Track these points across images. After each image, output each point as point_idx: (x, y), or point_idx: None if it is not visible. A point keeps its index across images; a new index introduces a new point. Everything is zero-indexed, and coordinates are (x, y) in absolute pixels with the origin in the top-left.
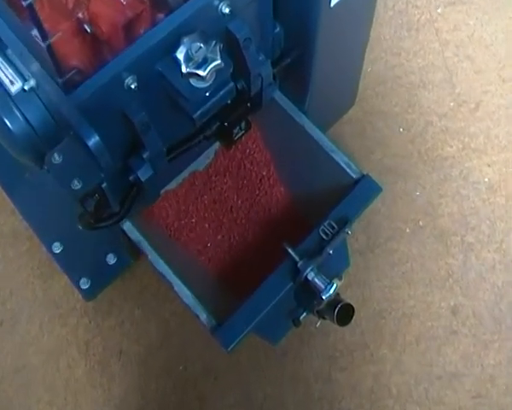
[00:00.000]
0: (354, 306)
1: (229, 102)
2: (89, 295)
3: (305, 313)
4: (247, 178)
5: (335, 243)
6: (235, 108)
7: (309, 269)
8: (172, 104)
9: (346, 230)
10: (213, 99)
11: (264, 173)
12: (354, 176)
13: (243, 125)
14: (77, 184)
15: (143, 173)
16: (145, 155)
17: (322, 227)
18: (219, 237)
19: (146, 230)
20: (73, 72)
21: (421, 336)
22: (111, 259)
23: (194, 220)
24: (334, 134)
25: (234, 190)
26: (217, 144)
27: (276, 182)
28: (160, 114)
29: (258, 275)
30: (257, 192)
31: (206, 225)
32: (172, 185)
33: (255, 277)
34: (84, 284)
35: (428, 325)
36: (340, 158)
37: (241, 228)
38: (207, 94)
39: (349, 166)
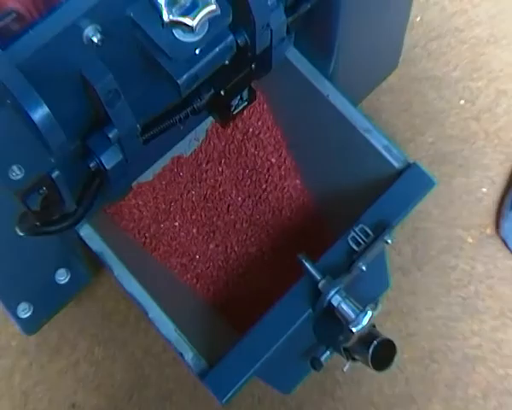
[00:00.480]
0: (396, 343)
1: (226, 62)
2: (30, 326)
3: (328, 353)
4: (251, 167)
5: (370, 255)
6: (235, 72)
7: (334, 291)
8: (149, 65)
9: (385, 238)
10: (205, 58)
11: (274, 160)
12: (396, 165)
13: (245, 94)
14: (17, 174)
15: (109, 159)
16: (111, 134)
17: (351, 234)
18: (212, 246)
19: (111, 236)
20: (10, 16)
21: (489, 388)
22: (62, 276)
23: (177, 224)
24: (370, 108)
25: (232, 184)
26: (209, 121)
27: (289, 172)
28: (133, 77)
29: (263, 299)
30: (263, 186)
31: (194, 231)
32: (148, 176)
33: (260, 302)
34: (24, 311)
35: (500, 373)
36: (377, 140)
37: (242, 235)
38: (197, 51)
39: (389, 152)
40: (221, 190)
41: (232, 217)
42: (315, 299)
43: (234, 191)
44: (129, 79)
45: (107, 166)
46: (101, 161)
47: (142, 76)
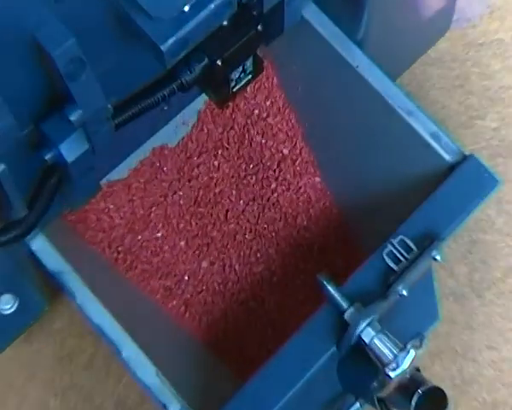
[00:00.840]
0: (447, 393)
1: (225, 23)
2: None
3: (357, 405)
4: (256, 161)
5: (413, 277)
6: (236, 36)
7: (365, 323)
8: (124, 26)
9: (433, 254)
10: (197, 18)
11: (286, 152)
12: (448, 158)
13: (249, 65)
14: None
15: (70, 149)
16: (74, 117)
17: (388, 248)
18: (205, 264)
19: (73, 251)
20: None
21: None
22: (7, 304)
23: (159, 235)
24: (413, 83)
25: (231, 182)
26: (202, 100)
27: (305, 168)
28: (102, 43)
29: (272, 335)
30: (273, 186)
31: (182, 244)
32: (123, 172)
33: (268, 338)
34: None
35: None
36: (422, 125)
37: (244, 249)
38: (186, 8)
39: (439, 141)
40: (217, 190)
41: (232, 226)
42: (340, 333)
43: (234, 192)
44: (97, 45)
45: (69, 159)
46: (60, 152)
47: (114, 41)
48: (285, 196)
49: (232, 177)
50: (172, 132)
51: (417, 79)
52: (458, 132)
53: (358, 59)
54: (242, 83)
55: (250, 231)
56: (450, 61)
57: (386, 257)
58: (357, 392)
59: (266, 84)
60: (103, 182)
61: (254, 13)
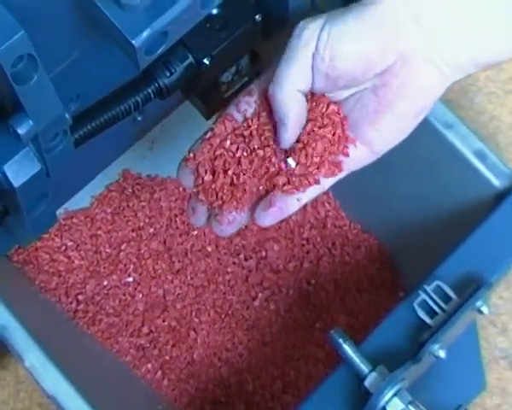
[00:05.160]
0: None
1: (214, 11)
2: None
3: None
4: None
5: (452, 334)
6: (228, 28)
7: (391, 392)
8: (88, 17)
9: (478, 304)
10: (178, 5)
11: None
12: (496, 182)
13: (244, 64)
14: None
15: (18, 170)
16: (22, 130)
17: (420, 297)
18: (194, 321)
19: (21, 301)
20: None
21: None
22: None
23: (130, 280)
24: (453, 88)
25: None
26: (184, 109)
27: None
28: (60, 37)
29: (273, 406)
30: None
31: (160, 292)
32: (85, 200)
33: (269, 407)
34: None
35: None
36: (464, 141)
37: (243, 296)
38: None
39: (484, 160)
40: None
41: (226, 269)
42: (359, 404)
43: None
44: (52, 40)
45: (15, 183)
46: (4, 174)
47: (74, 34)
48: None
49: None
50: (148, 150)
51: (459, 83)
52: (511, 150)
53: None
54: (236, 87)
55: (250, 272)
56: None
57: (417, 308)
58: None
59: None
60: (60, 212)
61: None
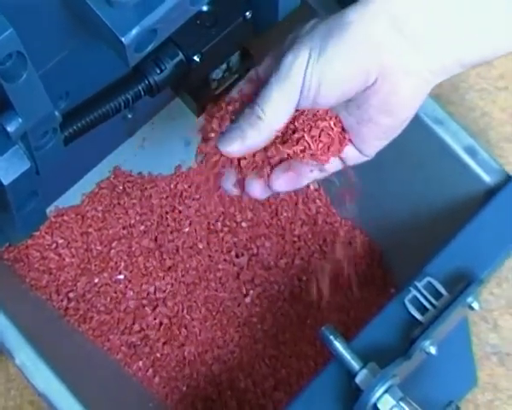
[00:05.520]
0: None
1: (204, 8)
2: None
3: None
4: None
5: (443, 330)
6: (218, 24)
7: (382, 389)
8: (76, 14)
9: (469, 300)
10: (168, 2)
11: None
12: (487, 178)
13: (235, 61)
14: None
15: (7, 168)
16: (11, 127)
17: (411, 293)
18: (185, 318)
19: (12, 298)
20: None
21: None
22: None
23: (121, 277)
24: (444, 84)
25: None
26: (174, 106)
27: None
28: (49, 35)
29: (266, 404)
30: (271, 208)
31: (151, 290)
32: (75, 198)
33: (260, 407)
34: None
35: None
36: (454, 137)
37: (234, 293)
38: None
39: (475, 156)
40: (198, 219)
41: (217, 265)
42: (350, 402)
43: (220, 221)
44: (42, 38)
45: (5, 181)
46: None
47: (64, 32)
48: (284, 226)
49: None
50: (138, 147)
51: (449, 80)
52: (501, 147)
53: None
54: (227, 84)
55: (241, 269)
56: None
57: (408, 304)
58: None
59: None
60: (50, 210)
61: None
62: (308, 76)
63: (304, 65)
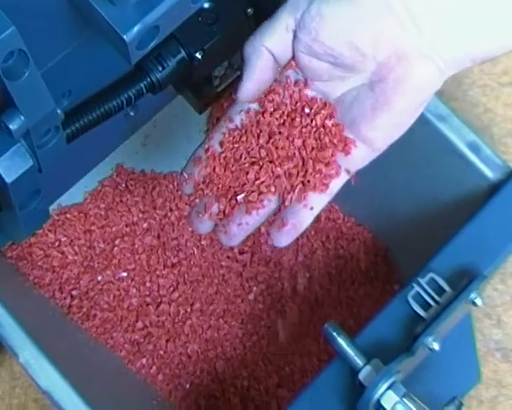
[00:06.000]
0: None
1: (206, 5)
2: None
3: None
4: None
5: (446, 326)
6: (220, 21)
7: (385, 386)
8: (78, 11)
9: (472, 296)
10: None
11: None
12: (490, 174)
13: (237, 59)
14: None
15: (10, 166)
16: (14, 125)
17: (414, 289)
18: (183, 311)
19: (14, 296)
20: None
21: None
22: None
23: (124, 275)
24: (446, 80)
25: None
26: (176, 104)
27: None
28: (51, 32)
29: (270, 401)
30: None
31: (154, 288)
32: (78, 195)
33: (265, 405)
34: None
35: None
36: (457, 133)
37: (238, 290)
38: None
39: (478, 153)
40: None
41: (221, 263)
42: (354, 398)
43: None
44: (44, 36)
45: (8, 179)
46: None
47: (65, 30)
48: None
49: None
50: (141, 145)
51: (452, 75)
52: (504, 142)
53: None
54: (229, 81)
55: (244, 266)
56: None
57: (411, 301)
58: None
59: None
60: (53, 208)
61: None
62: (311, 13)
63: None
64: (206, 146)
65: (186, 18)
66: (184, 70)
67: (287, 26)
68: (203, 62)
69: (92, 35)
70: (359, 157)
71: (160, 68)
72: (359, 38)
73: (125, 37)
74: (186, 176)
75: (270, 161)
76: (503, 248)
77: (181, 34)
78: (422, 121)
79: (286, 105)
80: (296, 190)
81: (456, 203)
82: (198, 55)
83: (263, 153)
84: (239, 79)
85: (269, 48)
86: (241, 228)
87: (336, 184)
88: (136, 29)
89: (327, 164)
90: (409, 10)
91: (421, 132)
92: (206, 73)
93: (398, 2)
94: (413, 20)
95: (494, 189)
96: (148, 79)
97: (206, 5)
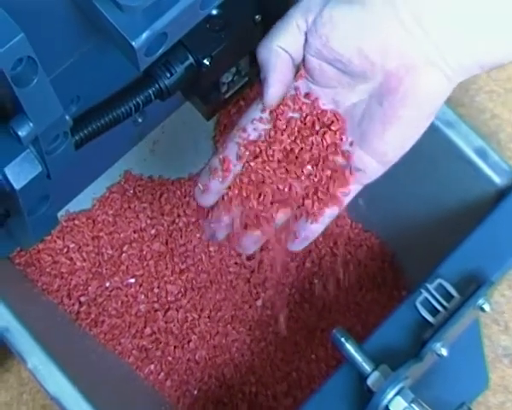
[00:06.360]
0: None
1: (214, 12)
2: None
3: None
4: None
5: (454, 332)
6: (228, 28)
7: (394, 391)
8: (87, 18)
9: (480, 302)
10: (177, 6)
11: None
12: (498, 180)
13: (244, 65)
14: None
15: (19, 173)
16: (23, 132)
17: (422, 295)
18: (191, 318)
19: (23, 302)
20: None
21: None
22: None
23: (132, 281)
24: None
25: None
26: (184, 110)
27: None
28: (59, 39)
29: (279, 402)
30: None
31: (162, 294)
32: (86, 202)
33: (271, 407)
34: None
35: None
36: (465, 139)
37: (246, 296)
38: None
39: (485, 158)
40: None
41: (229, 269)
42: (362, 403)
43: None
44: (53, 42)
45: (17, 185)
46: (5, 176)
47: (74, 36)
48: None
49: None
50: (149, 151)
51: (460, 82)
52: (511, 148)
53: None
54: (236, 87)
55: (252, 272)
56: None
57: (420, 306)
58: None
59: None
60: (61, 214)
61: None
62: (323, 19)
63: (320, 5)
64: (221, 156)
65: (194, 25)
66: (192, 76)
67: (298, 27)
68: (211, 69)
69: (101, 41)
70: (371, 170)
71: (168, 75)
72: (368, 46)
73: (133, 43)
74: (202, 187)
75: (285, 180)
76: (510, 254)
77: (189, 41)
78: (430, 128)
79: (296, 120)
80: (309, 208)
81: (463, 209)
82: (206, 62)
83: (278, 173)
84: (246, 85)
85: (284, 48)
86: (253, 240)
87: (348, 198)
88: (144, 36)
89: (342, 185)
90: (416, 17)
91: (429, 139)
92: (214, 79)
93: (405, 9)
94: (420, 25)
95: (501, 194)
96: (157, 86)
97: (214, 12)
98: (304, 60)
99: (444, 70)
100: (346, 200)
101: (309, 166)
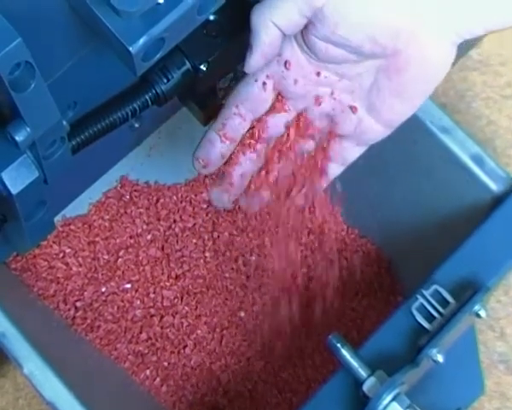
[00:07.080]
0: None
1: (211, 17)
2: None
3: None
4: None
5: (450, 338)
6: (225, 34)
7: (390, 397)
8: (84, 23)
9: (476, 308)
10: (175, 12)
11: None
12: (494, 186)
13: (241, 69)
14: None
15: (15, 177)
16: (20, 136)
17: (418, 301)
18: (186, 324)
19: (19, 308)
20: None
21: None
22: None
23: (129, 286)
24: (450, 93)
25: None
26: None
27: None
28: (56, 44)
29: (275, 408)
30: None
31: (158, 299)
32: (82, 207)
33: None
34: None
35: None
36: (461, 146)
37: (242, 301)
38: (161, 0)
39: (482, 165)
40: (204, 227)
41: (228, 274)
42: (357, 409)
43: (229, 231)
44: (50, 47)
45: (13, 190)
46: (2, 181)
47: (72, 41)
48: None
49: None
50: (145, 157)
51: (456, 88)
52: (508, 155)
53: None
54: None
55: (248, 278)
56: (499, 65)
57: (415, 312)
58: None
59: None
60: (57, 219)
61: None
62: (330, 5)
63: None
64: (221, 133)
65: (191, 30)
66: (189, 82)
67: (300, 11)
68: (208, 74)
69: (98, 46)
70: (376, 133)
71: (165, 80)
72: (379, 33)
73: (130, 48)
74: (201, 162)
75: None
76: (506, 260)
77: (186, 46)
78: (426, 133)
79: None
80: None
81: (459, 215)
82: (203, 67)
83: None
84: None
85: (277, 24)
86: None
87: (352, 155)
88: (141, 41)
89: None
90: None
91: (425, 145)
92: (211, 84)
93: None
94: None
95: (497, 201)
96: (153, 91)
97: (212, 17)
98: (305, 40)
99: (450, 38)
100: (350, 159)
101: None
